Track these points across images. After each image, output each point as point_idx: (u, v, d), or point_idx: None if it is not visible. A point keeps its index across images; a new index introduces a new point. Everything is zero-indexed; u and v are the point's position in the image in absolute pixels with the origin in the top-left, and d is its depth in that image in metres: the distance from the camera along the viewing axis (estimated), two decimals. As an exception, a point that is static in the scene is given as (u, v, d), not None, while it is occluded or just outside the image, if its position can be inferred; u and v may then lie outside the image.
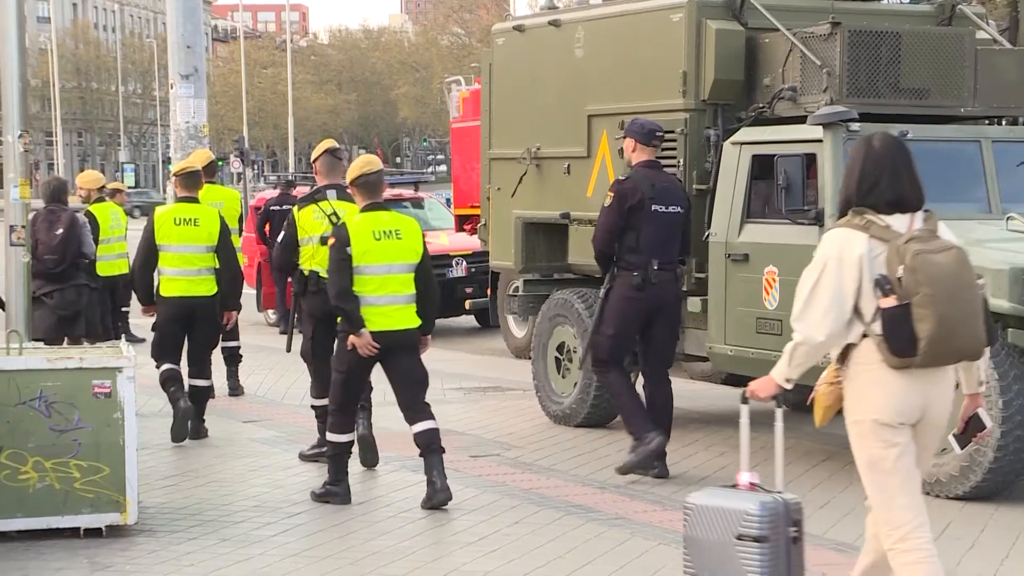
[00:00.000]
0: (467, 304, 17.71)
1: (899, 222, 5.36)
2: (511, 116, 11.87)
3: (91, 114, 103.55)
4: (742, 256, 9.55)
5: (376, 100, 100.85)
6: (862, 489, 8.63)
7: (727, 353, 9.82)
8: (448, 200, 21.85)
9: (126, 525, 7.67)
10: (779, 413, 5.61)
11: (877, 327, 5.24)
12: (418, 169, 58.82)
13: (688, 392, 12.35)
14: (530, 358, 11.50)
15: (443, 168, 54.30)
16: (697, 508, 5.63)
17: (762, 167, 9.47)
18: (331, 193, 9.54)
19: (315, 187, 9.96)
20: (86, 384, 7.66)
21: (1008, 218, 8.94)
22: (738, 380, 12.29)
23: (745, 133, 9.75)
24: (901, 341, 5.18)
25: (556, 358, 11.16)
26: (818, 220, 8.99)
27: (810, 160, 9.13)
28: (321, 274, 9.02)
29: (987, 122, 9.87)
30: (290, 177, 22.09)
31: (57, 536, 7.57)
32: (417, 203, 20.76)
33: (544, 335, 11.21)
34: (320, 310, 9.21)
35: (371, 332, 8.25)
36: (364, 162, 8.57)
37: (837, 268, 5.31)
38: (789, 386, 5.48)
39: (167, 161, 22.68)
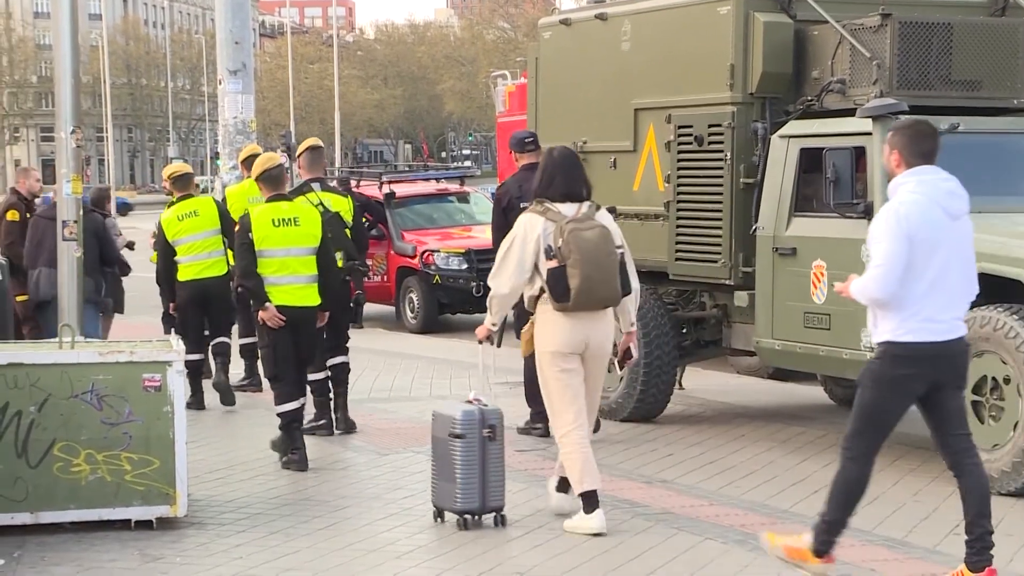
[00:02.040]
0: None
1: (569, 209, 7.51)
2: (557, 110, 11.83)
3: (141, 110, 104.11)
4: (790, 250, 9.49)
5: (422, 95, 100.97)
6: (911, 484, 8.63)
7: (774, 347, 9.76)
8: (493, 194, 21.82)
9: (176, 517, 7.70)
10: (483, 347, 7.85)
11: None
12: (445, 165, 59.19)
13: (735, 387, 12.31)
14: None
15: (468, 164, 54.21)
16: (436, 415, 7.78)
17: (810, 160, 9.40)
18: (316, 185, 10.63)
19: (301, 181, 10.99)
20: (136, 377, 7.69)
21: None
22: (785, 375, 12.23)
23: (793, 126, 9.68)
24: (559, 292, 7.35)
25: (603, 352, 11.13)
26: (867, 214, 8.89)
27: (859, 153, 9.05)
28: None
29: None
30: (345, 173, 22.01)
31: (109, 528, 7.60)
32: (462, 197, 20.75)
33: (591, 329, 11.18)
34: None
35: (275, 306, 9.22)
36: (266, 159, 9.88)
37: (522, 243, 7.46)
38: (495, 329, 7.73)
39: (215, 156, 22.74)
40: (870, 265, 6.28)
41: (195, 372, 11.40)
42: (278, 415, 9.34)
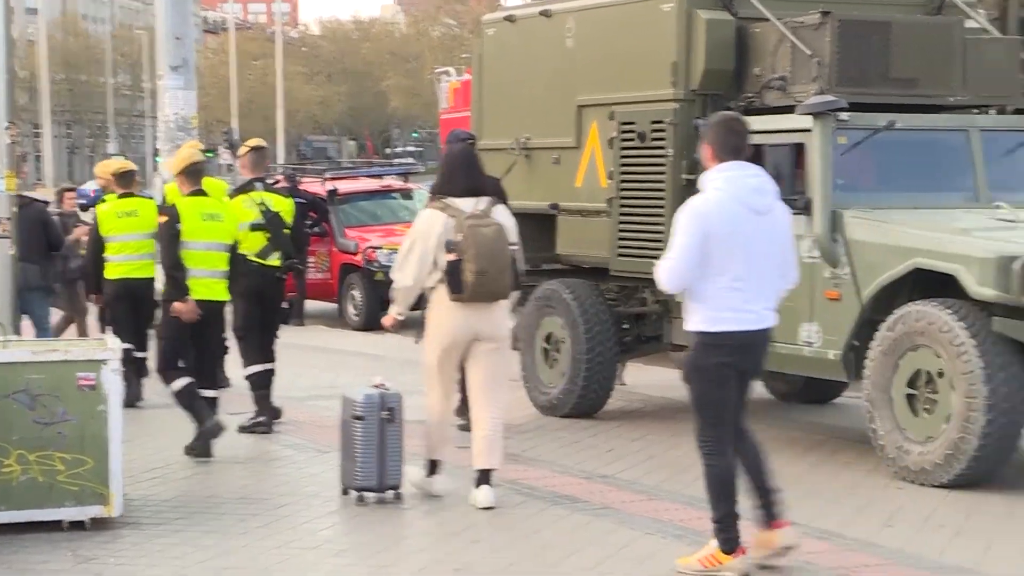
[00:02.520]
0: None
1: (467, 204, 8.05)
2: (500, 107, 11.86)
3: (80, 106, 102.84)
4: (730, 246, 9.56)
5: (366, 91, 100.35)
6: (845, 478, 8.74)
7: (715, 343, 9.83)
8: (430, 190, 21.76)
9: (110, 518, 7.64)
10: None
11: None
12: (389, 161, 58.94)
13: (675, 382, 12.35)
14: (518, 349, 11.47)
15: (411, 161, 53.75)
16: (343, 399, 8.37)
17: (751, 157, 9.44)
18: (258, 185, 10.84)
19: (245, 180, 11.21)
20: (71, 376, 7.63)
21: (995, 206, 9.00)
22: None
23: (735, 123, 9.75)
24: (455, 284, 7.91)
25: (544, 349, 11.18)
26: (807, 209, 9.02)
27: (799, 150, 9.16)
28: (248, 257, 10.32)
29: (976, 111, 9.87)
30: (289, 171, 21.94)
31: (40, 529, 7.52)
32: (406, 194, 20.74)
33: (532, 326, 11.22)
34: (248, 289, 10.39)
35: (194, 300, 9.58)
36: (190, 154, 10.19)
37: (424, 239, 8.04)
38: (402, 318, 8.33)
39: (156, 153, 22.62)
40: (664, 256, 6.67)
41: (128, 364, 11.37)
42: (176, 394, 9.55)
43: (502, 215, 8.25)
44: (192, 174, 9.89)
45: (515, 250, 8.20)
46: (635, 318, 11.06)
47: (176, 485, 8.79)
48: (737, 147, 6.66)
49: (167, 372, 9.68)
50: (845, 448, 9.56)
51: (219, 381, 10.62)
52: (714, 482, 6.62)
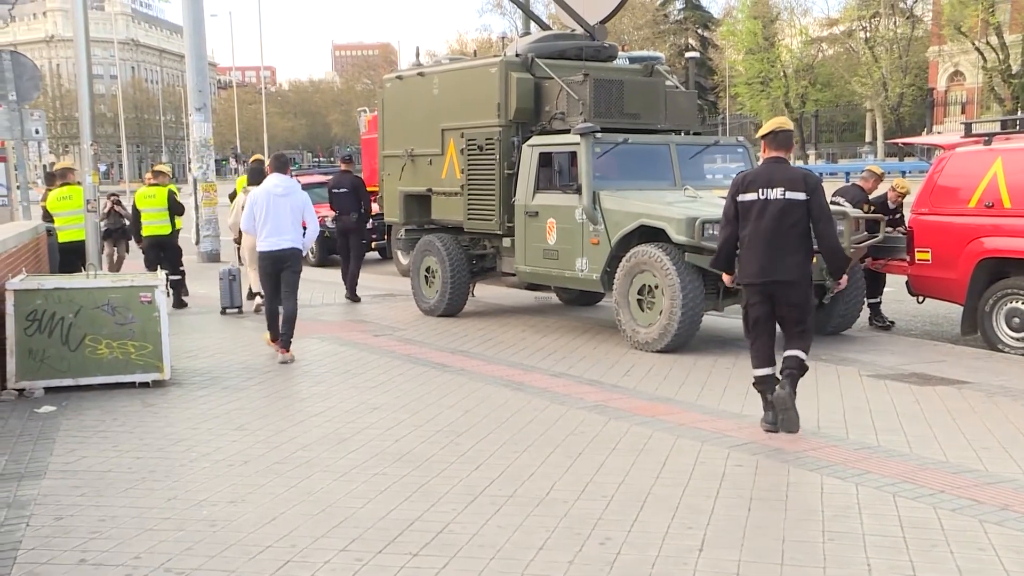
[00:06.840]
0: (373, 244, 17.32)
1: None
2: (396, 130, 11.48)
3: (144, 133, 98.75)
4: (534, 212, 9.44)
5: (318, 124, 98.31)
6: (604, 348, 8.62)
7: (526, 270, 9.72)
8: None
9: (164, 380, 7.35)
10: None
11: None
12: (331, 163, 57.60)
13: (504, 294, 12.30)
14: (410, 276, 11.24)
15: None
16: (221, 272, 10.45)
17: (545, 159, 9.34)
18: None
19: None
20: (135, 295, 7.32)
21: (684, 189, 8.98)
22: (533, 287, 12.29)
23: (535, 139, 9.58)
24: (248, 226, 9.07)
25: (425, 276, 10.95)
26: (578, 191, 8.91)
27: (573, 156, 9.02)
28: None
29: (673, 133, 9.84)
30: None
31: (121, 387, 7.24)
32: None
33: (417, 262, 10.98)
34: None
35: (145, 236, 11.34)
36: (161, 167, 11.75)
37: (241, 206, 9.80)
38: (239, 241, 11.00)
39: (189, 162, 21.76)
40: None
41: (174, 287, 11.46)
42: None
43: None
44: (157, 174, 11.67)
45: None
46: (479, 256, 10.88)
47: (203, 361, 8.38)
48: (279, 167, 8.22)
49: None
50: (603, 331, 9.54)
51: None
52: (267, 315, 8.45)
